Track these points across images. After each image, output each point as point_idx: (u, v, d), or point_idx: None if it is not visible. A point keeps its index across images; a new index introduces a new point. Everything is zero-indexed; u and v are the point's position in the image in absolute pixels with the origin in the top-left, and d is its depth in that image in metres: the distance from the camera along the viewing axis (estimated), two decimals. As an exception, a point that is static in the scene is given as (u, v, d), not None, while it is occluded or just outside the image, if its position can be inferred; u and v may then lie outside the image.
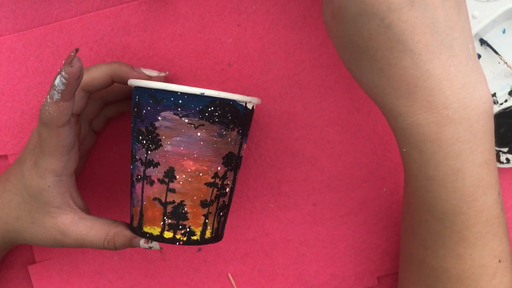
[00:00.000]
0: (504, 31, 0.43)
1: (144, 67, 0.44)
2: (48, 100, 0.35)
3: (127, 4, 0.44)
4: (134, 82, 0.37)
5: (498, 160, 0.44)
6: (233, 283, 0.48)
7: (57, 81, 0.34)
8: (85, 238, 0.40)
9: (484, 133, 0.34)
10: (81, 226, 0.39)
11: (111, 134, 0.46)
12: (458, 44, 0.32)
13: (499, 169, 0.46)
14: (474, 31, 0.42)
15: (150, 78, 0.41)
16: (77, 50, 0.34)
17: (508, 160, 0.44)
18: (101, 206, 0.47)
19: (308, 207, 0.47)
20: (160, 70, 0.45)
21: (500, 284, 0.37)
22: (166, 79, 0.45)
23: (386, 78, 0.33)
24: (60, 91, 0.34)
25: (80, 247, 0.40)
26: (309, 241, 0.47)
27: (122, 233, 0.39)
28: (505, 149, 0.44)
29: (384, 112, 0.35)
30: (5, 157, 0.46)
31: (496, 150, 0.44)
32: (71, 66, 0.33)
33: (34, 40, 0.44)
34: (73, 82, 0.34)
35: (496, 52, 0.43)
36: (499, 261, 0.37)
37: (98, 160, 0.47)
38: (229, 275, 0.48)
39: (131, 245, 0.40)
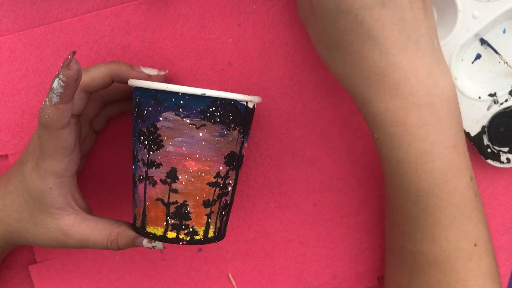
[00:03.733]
0: (504, 31, 0.43)
1: (145, 67, 0.44)
2: (47, 103, 0.35)
3: (127, 4, 0.44)
4: (135, 82, 0.37)
5: (498, 160, 0.44)
6: (234, 283, 0.48)
7: (55, 84, 0.34)
8: (88, 239, 0.40)
9: (449, 117, 0.36)
10: (84, 226, 0.39)
11: (111, 133, 0.46)
12: (424, 40, 0.36)
13: (499, 169, 0.46)
14: (474, 31, 0.42)
15: (150, 77, 0.41)
16: (74, 53, 0.33)
17: (508, 160, 0.44)
18: (102, 205, 0.47)
19: (308, 207, 0.47)
20: (160, 70, 0.45)
21: (477, 268, 0.38)
22: (166, 79, 0.45)
23: (357, 69, 0.36)
24: (58, 94, 0.34)
25: (83, 247, 0.40)
26: (309, 241, 0.47)
27: (125, 233, 0.39)
28: (505, 149, 0.44)
29: (356, 100, 0.38)
30: (6, 157, 0.46)
31: (496, 150, 0.44)
32: (69, 69, 0.33)
33: (34, 40, 0.44)
34: (71, 85, 0.34)
35: (496, 52, 0.43)
36: (475, 244, 0.38)
37: (99, 160, 0.47)
38: (229, 275, 0.48)
39: (134, 245, 0.40)
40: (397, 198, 0.39)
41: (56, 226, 0.39)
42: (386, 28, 0.35)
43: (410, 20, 0.35)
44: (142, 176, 0.38)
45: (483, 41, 0.43)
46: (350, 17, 0.35)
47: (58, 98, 0.34)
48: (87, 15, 0.44)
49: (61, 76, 0.33)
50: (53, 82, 0.34)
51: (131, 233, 0.39)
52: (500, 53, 0.43)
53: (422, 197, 0.37)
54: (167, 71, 0.43)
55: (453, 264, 0.38)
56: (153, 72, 0.41)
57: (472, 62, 0.44)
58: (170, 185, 0.37)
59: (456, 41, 0.42)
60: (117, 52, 0.45)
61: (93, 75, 0.39)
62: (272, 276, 0.48)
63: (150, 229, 0.38)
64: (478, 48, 0.44)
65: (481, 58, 0.44)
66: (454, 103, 0.37)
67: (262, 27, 0.45)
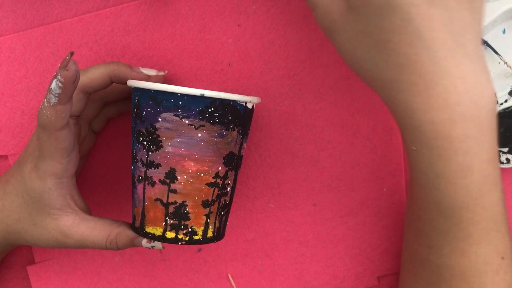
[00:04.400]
0: (504, 31, 0.43)
1: (144, 67, 0.44)
2: (46, 104, 0.35)
3: (127, 4, 0.44)
4: (133, 83, 0.37)
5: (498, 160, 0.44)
6: (233, 283, 0.48)
7: (53, 85, 0.34)
8: (87, 239, 0.40)
9: (490, 130, 0.34)
10: (83, 227, 0.39)
11: (110, 134, 0.46)
12: (471, 45, 0.33)
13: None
14: (474, 31, 0.42)
15: (149, 77, 0.41)
16: (72, 54, 0.33)
17: (508, 160, 0.44)
18: (101, 205, 0.47)
19: (308, 207, 0.47)
20: (160, 70, 0.45)
21: (503, 281, 0.37)
22: (166, 79, 0.45)
23: (405, 74, 0.33)
24: (56, 95, 0.34)
25: (82, 247, 0.40)
26: (309, 241, 0.47)
27: (124, 233, 0.39)
28: (505, 149, 0.44)
29: (395, 110, 0.35)
30: (5, 157, 0.46)
31: (496, 150, 0.44)
32: (67, 70, 0.33)
33: (34, 40, 0.44)
34: (69, 86, 0.34)
35: (496, 53, 0.43)
36: (502, 258, 0.37)
37: (98, 160, 0.47)
38: (229, 275, 0.48)
39: (133, 245, 0.40)
40: (427, 211, 0.37)
41: (55, 226, 0.39)
42: (435, 29, 0.32)
43: (458, 22, 0.33)
44: (141, 176, 0.38)
45: (483, 41, 0.43)
46: (399, 15, 0.32)
47: (56, 99, 0.34)
48: (86, 15, 0.44)
49: (59, 77, 0.33)
50: (51, 83, 0.34)
51: (130, 233, 0.39)
52: (500, 53, 0.43)
53: (456, 211, 0.35)
54: (166, 72, 0.43)
55: (480, 277, 0.37)
56: (152, 72, 0.41)
57: (472, 62, 0.44)
58: (169, 185, 0.37)
59: (456, 41, 0.42)
60: (116, 52, 0.45)
61: (92, 75, 0.39)
62: (272, 276, 0.48)
63: (149, 229, 0.38)
64: (478, 48, 0.44)
65: (480, 58, 0.44)
66: (495, 115, 0.35)
67: (262, 27, 0.45)
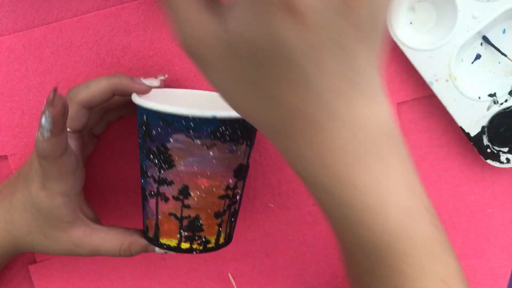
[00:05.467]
0: (504, 31, 0.43)
1: (144, 67, 0.44)
2: (40, 137, 0.35)
3: (127, 4, 0.44)
4: (142, 103, 0.36)
5: (498, 160, 0.44)
6: (233, 283, 0.48)
7: (43, 121, 0.33)
8: (100, 249, 0.40)
9: (399, 151, 0.30)
10: (95, 237, 0.40)
11: (110, 134, 0.46)
12: (365, 82, 0.28)
13: (499, 169, 0.46)
14: (474, 31, 0.42)
15: (151, 88, 0.40)
16: (55, 90, 0.33)
17: (508, 160, 0.44)
18: (102, 206, 0.47)
19: (308, 207, 0.47)
20: (160, 71, 0.45)
21: None
22: (166, 79, 0.45)
23: (293, 122, 0.28)
24: (49, 130, 0.34)
25: (95, 255, 0.41)
26: (309, 241, 0.47)
27: (137, 242, 0.40)
28: (505, 149, 0.44)
29: (287, 158, 0.30)
30: (5, 157, 0.46)
31: (496, 150, 0.44)
32: (54, 107, 0.33)
33: (34, 40, 0.44)
34: (59, 120, 0.34)
35: (503, 54, 0.43)
36: (446, 284, 0.32)
37: (98, 161, 0.47)
38: (229, 275, 0.48)
39: (146, 251, 0.40)
40: (351, 257, 0.33)
41: (67, 238, 0.40)
42: (325, 73, 0.27)
43: (351, 63, 0.27)
44: (153, 191, 0.38)
45: (487, 40, 0.43)
46: (285, 60, 0.26)
47: (49, 132, 0.34)
48: (86, 15, 0.44)
49: (47, 113, 0.33)
50: (41, 118, 0.34)
51: (143, 242, 0.40)
52: (504, 53, 0.43)
53: (383, 251, 0.31)
54: (166, 76, 0.42)
55: None
56: (154, 82, 0.40)
57: (472, 62, 0.44)
58: (182, 201, 0.37)
59: (456, 41, 0.42)
60: (117, 52, 0.45)
61: (94, 91, 0.39)
62: (272, 276, 0.48)
63: (164, 241, 0.39)
64: (478, 48, 0.44)
65: (481, 58, 0.44)
66: (397, 136, 0.30)
67: (262, 27, 0.44)
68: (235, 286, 0.48)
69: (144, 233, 0.40)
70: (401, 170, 0.30)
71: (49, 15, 0.44)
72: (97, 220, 0.42)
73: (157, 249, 0.40)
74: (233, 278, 0.48)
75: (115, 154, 0.47)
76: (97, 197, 0.47)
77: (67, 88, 0.45)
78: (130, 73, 0.45)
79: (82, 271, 0.48)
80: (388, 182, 0.29)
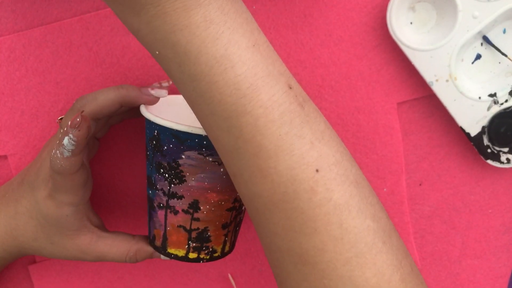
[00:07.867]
0: (504, 31, 0.43)
1: (144, 67, 0.44)
2: (58, 155, 0.35)
3: (127, 4, 0.44)
4: (155, 119, 0.36)
5: (498, 160, 0.44)
6: (233, 283, 0.48)
7: (65, 141, 0.34)
8: (106, 255, 0.40)
9: (236, 13, 0.29)
10: (101, 244, 0.40)
11: (110, 134, 0.46)
12: None
13: (499, 169, 0.46)
14: (474, 31, 0.42)
15: (158, 99, 0.40)
16: (82, 112, 0.34)
17: (508, 160, 0.44)
18: (101, 206, 0.47)
19: (308, 207, 0.47)
20: (160, 71, 0.45)
21: (326, 201, 0.29)
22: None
23: None
24: (70, 151, 0.35)
25: (101, 261, 0.41)
26: (309, 241, 0.47)
27: (143, 250, 0.40)
28: (505, 149, 0.44)
29: (126, 20, 0.30)
30: (5, 157, 0.46)
31: (496, 150, 0.44)
32: (79, 130, 0.33)
33: (34, 40, 0.44)
34: (82, 142, 0.34)
35: (504, 54, 0.43)
36: (317, 170, 0.29)
37: (98, 163, 0.47)
38: (229, 275, 0.48)
39: (152, 257, 0.41)
40: (209, 128, 0.31)
41: (74, 245, 0.40)
42: None
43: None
44: (162, 204, 0.38)
45: (487, 40, 0.43)
46: None
47: (70, 153, 0.35)
48: (86, 15, 0.44)
49: (71, 135, 0.34)
50: (63, 138, 0.34)
51: (149, 249, 0.40)
52: (505, 53, 0.43)
53: (233, 119, 0.28)
54: (170, 82, 0.42)
55: (293, 202, 0.29)
56: (162, 93, 0.40)
57: (472, 62, 0.44)
58: (192, 214, 0.38)
59: (456, 41, 0.42)
60: (116, 52, 0.45)
61: (103, 103, 0.38)
62: (272, 276, 0.48)
63: (171, 250, 0.39)
64: (478, 48, 0.44)
65: (481, 58, 0.44)
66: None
67: (262, 27, 0.44)
68: (235, 286, 0.48)
69: (150, 241, 0.41)
70: (244, 29, 0.29)
71: (49, 15, 0.44)
72: (102, 226, 0.42)
73: (162, 256, 0.40)
74: (233, 278, 0.48)
75: (116, 156, 0.47)
76: (98, 199, 0.47)
77: (66, 88, 0.45)
78: (130, 73, 0.45)
79: (82, 271, 0.48)
80: (232, 35, 0.29)
